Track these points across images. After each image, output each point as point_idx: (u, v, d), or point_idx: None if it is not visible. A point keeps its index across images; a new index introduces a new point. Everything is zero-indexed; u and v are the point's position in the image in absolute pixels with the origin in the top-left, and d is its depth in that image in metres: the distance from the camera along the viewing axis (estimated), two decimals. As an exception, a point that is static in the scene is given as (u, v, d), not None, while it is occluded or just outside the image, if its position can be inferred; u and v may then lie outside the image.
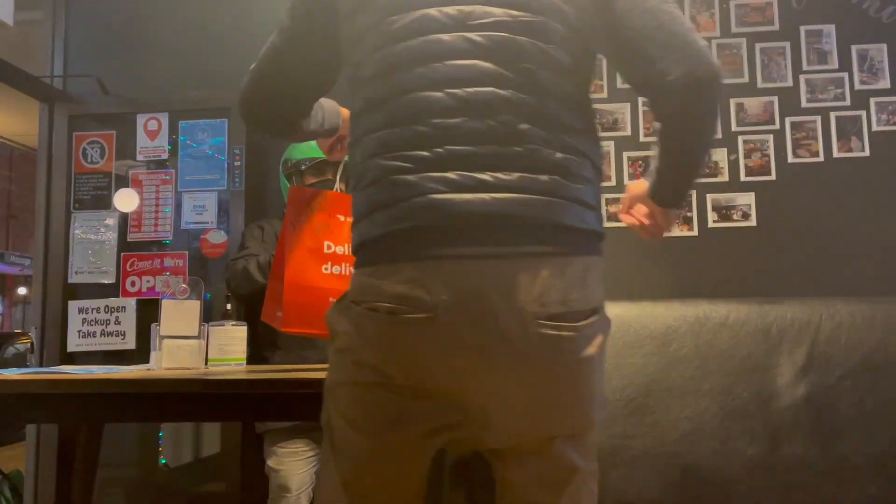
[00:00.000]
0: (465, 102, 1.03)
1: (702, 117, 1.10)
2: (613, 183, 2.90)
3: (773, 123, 2.89)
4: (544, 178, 1.02)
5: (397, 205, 1.02)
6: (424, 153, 1.02)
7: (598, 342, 1.04)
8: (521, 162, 1.02)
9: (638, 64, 1.09)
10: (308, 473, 2.27)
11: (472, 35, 1.04)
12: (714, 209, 2.87)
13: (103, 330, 2.94)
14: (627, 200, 1.28)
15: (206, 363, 1.65)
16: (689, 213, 2.87)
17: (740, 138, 2.89)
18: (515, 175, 1.01)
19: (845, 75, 2.89)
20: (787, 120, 2.89)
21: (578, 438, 1.07)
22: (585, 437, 1.08)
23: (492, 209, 0.99)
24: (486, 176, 1.01)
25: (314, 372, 1.42)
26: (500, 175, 1.01)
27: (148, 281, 2.98)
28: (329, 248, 1.51)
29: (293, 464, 2.27)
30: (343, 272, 1.51)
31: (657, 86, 1.07)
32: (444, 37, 1.05)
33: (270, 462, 2.29)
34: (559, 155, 1.04)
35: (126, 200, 3.04)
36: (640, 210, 1.24)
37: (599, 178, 1.12)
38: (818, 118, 2.88)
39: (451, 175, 1.01)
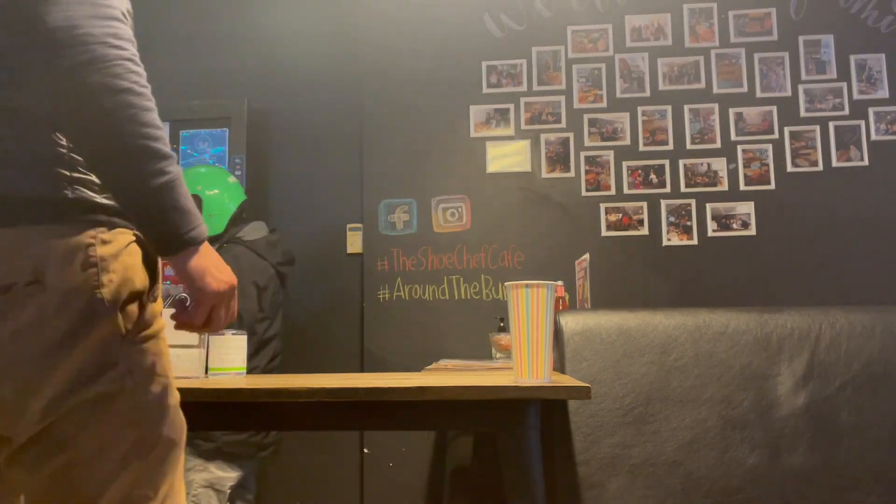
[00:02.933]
0: None
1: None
2: (613, 192, 2.91)
3: (773, 133, 2.90)
4: None
5: None
6: None
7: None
8: None
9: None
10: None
11: None
12: (713, 218, 2.88)
13: (104, 339, 2.93)
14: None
15: (206, 372, 1.65)
16: (688, 223, 2.88)
17: (739, 148, 2.90)
18: None
19: (844, 85, 2.90)
20: (786, 129, 2.90)
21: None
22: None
23: None
24: None
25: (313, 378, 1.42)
26: None
27: (148, 290, 2.98)
28: None
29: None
30: None
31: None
32: None
33: None
34: None
35: (127, 209, 3.04)
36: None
37: (35, 132, 0.93)
38: (817, 128, 2.89)
39: None
